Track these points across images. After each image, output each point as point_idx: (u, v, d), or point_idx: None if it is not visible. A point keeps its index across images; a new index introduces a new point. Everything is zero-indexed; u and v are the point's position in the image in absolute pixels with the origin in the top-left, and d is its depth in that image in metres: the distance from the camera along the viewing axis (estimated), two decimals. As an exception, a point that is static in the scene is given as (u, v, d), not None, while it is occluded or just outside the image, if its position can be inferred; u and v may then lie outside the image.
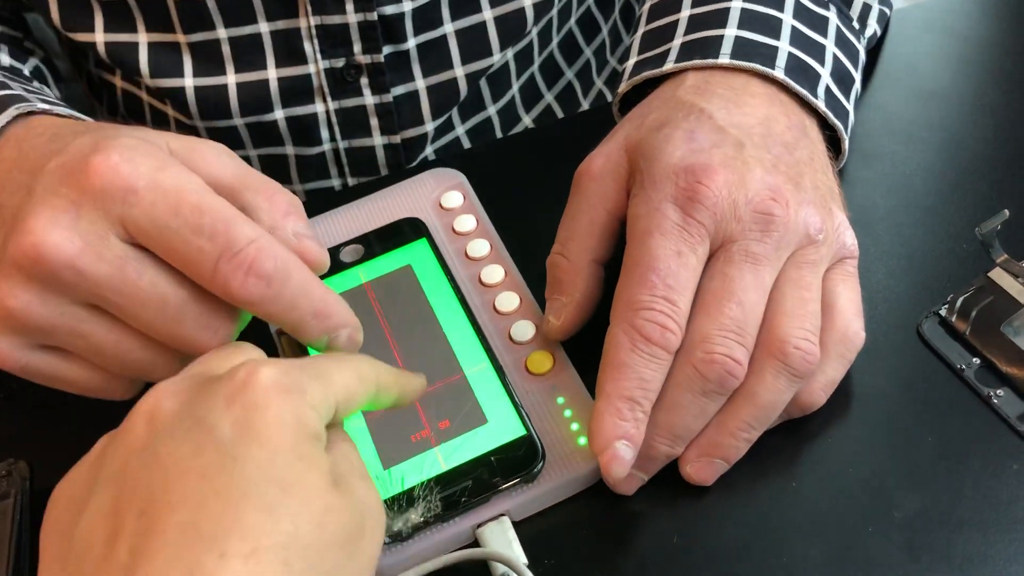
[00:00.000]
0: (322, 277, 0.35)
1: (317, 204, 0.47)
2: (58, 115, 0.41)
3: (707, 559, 0.35)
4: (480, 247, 0.44)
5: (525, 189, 0.47)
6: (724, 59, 0.40)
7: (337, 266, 0.44)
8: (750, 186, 0.36)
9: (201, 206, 0.33)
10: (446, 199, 0.46)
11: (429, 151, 0.57)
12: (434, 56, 0.54)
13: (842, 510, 0.35)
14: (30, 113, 0.40)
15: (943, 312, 0.40)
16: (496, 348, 0.40)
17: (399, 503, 0.35)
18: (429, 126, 0.56)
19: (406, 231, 0.44)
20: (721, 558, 0.35)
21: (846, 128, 0.42)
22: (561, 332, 0.39)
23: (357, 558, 0.29)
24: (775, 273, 0.36)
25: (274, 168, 0.57)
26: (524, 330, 0.40)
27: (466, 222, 0.45)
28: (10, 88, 0.43)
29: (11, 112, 0.40)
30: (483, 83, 0.56)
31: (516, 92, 0.59)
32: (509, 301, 0.41)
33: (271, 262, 0.33)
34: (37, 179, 0.34)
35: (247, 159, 0.56)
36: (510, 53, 0.56)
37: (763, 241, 0.35)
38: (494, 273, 0.42)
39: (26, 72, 0.53)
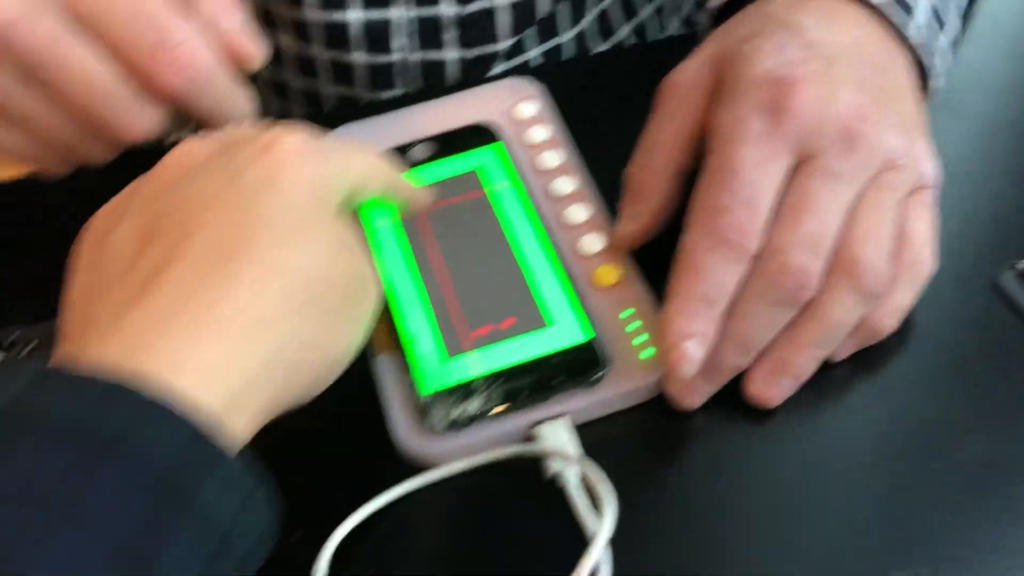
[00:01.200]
0: None
1: (388, 107, 0.47)
2: None
3: (763, 482, 0.34)
4: (552, 158, 0.43)
5: (600, 110, 0.47)
6: None
7: (407, 163, 0.43)
8: (838, 103, 0.35)
9: None
10: (520, 109, 0.45)
11: (499, 71, 0.57)
12: None
13: (906, 445, 0.35)
14: None
15: (1021, 266, 0.39)
16: (564, 257, 0.39)
17: (459, 393, 0.35)
18: (502, 44, 0.55)
19: (479, 135, 0.44)
20: (779, 481, 0.34)
21: (934, 65, 0.41)
22: (633, 240, 0.38)
23: (351, 318, 0.33)
24: (854, 192, 0.35)
25: (342, 74, 0.56)
26: (593, 243, 0.40)
27: (539, 132, 0.44)
28: None
29: None
30: (561, 6, 0.55)
31: (594, 18, 0.58)
32: (580, 213, 0.41)
33: (200, 61, 0.36)
34: None
35: (314, 59, 0.55)
36: None
37: (846, 159, 0.35)
38: (566, 185, 0.42)
39: None
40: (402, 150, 0.44)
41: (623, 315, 0.37)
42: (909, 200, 0.37)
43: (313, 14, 0.53)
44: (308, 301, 0.30)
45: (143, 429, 0.26)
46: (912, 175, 0.36)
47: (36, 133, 0.38)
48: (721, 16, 0.43)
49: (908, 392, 0.36)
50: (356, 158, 0.35)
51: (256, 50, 0.38)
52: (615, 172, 0.40)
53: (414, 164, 0.43)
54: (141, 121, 0.37)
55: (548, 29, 0.56)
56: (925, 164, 0.37)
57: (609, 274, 0.39)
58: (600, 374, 0.35)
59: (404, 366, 0.36)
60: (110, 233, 0.31)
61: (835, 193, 0.35)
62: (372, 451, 0.36)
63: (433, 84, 0.56)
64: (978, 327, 0.38)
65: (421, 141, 0.44)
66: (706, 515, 0.34)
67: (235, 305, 0.29)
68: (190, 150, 0.33)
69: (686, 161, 0.38)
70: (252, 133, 0.33)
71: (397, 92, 0.56)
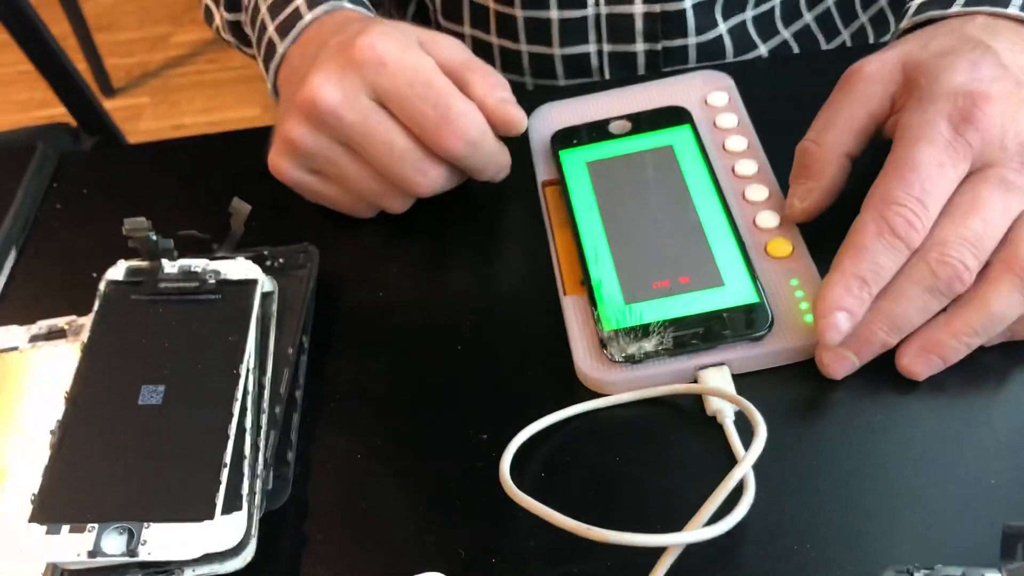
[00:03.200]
0: (591, 144, 0.48)
1: (584, 89, 0.52)
2: (353, 10, 0.52)
3: (904, 441, 0.38)
4: (738, 142, 0.47)
5: (788, 108, 0.50)
6: (1013, 9, 0.42)
7: (605, 135, 0.48)
8: (1021, 122, 0.38)
9: (430, 81, 0.45)
10: (712, 97, 0.50)
11: (691, 30, 0.61)
12: None
13: (1046, 429, 0.37)
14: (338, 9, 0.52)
15: None
16: (741, 229, 0.44)
17: (636, 332, 0.40)
18: (692, 39, 0.59)
19: (673, 116, 0.49)
20: (920, 443, 0.37)
21: None
22: (804, 215, 0.42)
23: None
24: (1023, 206, 0.38)
25: (543, 65, 0.62)
26: (769, 219, 0.44)
27: (728, 119, 0.49)
28: None
29: (324, 8, 0.52)
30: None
31: (778, 3, 0.62)
32: (759, 192, 0.45)
33: (475, 130, 0.45)
34: (320, 52, 0.47)
35: (514, 18, 0.62)
36: None
37: (1021, 172, 0.38)
38: (748, 167, 0.46)
39: None
40: (602, 124, 0.49)
41: (791, 283, 0.41)
42: None
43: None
44: None
45: None
46: None
47: (350, 188, 0.48)
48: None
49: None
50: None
51: (518, 119, 0.46)
52: (792, 160, 0.44)
53: (613, 136, 0.48)
54: (428, 178, 0.46)
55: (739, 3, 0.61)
56: None
57: (782, 246, 0.43)
58: (764, 332, 0.40)
59: (591, 305, 0.42)
60: None
61: (1006, 201, 0.38)
62: (557, 376, 0.42)
63: (622, 38, 0.61)
64: None
65: (620, 118, 0.49)
66: (841, 465, 0.37)
67: None
68: None
69: (857, 145, 0.42)
70: None
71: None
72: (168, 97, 2.04)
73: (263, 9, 0.56)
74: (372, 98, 0.45)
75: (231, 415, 0.39)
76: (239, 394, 0.40)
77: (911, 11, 0.46)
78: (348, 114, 0.45)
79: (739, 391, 0.39)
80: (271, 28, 0.54)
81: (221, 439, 0.38)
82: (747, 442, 0.36)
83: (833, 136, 0.42)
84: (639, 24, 0.59)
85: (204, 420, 0.39)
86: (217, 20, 0.66)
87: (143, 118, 2.01)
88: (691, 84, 0.51)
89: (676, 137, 0.48)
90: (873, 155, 0.42)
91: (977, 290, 0.37)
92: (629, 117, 0.49)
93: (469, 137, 0.45)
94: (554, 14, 0.60)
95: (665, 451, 0.39)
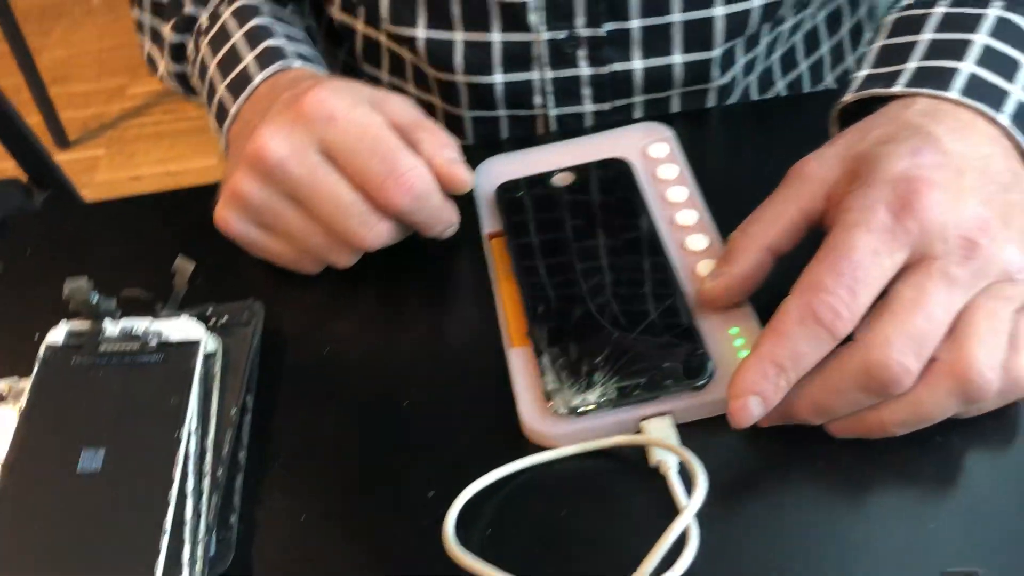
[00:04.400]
0: (535, 196, 0.48)
1: (528, 143, 0.53)
2: (303, 67, 0.53)
3: (846, 490, 0.38)
4: (679, 193, 0.48)
5: (729, 157, 0.52)
6: (954, 94, 0.41)
7: (548, 188, 0.49)
8: (962, 212, 0.37)
9: (379, 136, 0.45)
10: (653, 149, 0.51)
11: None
12: (656, 39, 0.56)
13: (982, 469, 0.38)
14: (287, 68, 0.53)
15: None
16: (682, 278, 0.44)
17: (580, 384, 0.40)
18: (638, 98, 0.60)
19: (612, 167, 0.49)
20: (861, 491, 0.38)
21: None
22: (709, 294, 0.42)
23: None
24: (965, 300, 0.36)
25: (487, 128, 0.62)
26: (710, 267, 0.44)
27: (669, 170, 0.49)
28: (274, 35, 0.55)
29: (274, 68, 0.53)
30: (709, 94, 0.60)
31: (734, 99, 0.62)
32: (699, 242, 0.46)
33: (421, 184, 0.45)
34: (272, 106, 0.48)
35: (462, 119, 0.62)
36: (739, 64, 0.59)
37: (963, 266, 0.36)
38: (688, 216, 0.47)
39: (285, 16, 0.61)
40: (545, 177, 0.50)
41: (731, 332, 0.42)
42: (1021, 314, 0.37)
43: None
44: None
45: None
46: None
47: (296, 242, 0.48)
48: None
49: (1004, 432, 0.39)
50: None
51: (465, 179, 0.47)
52: (732, 210, 0.44)
53: (555, 190, 0.49)
54: (374, 232, 0.46)
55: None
56: None
57: (721, 297, 0.43)
58: (705, 381, 0.40)
59: (536, 357, 0.42)
60: None
61: (949, 296, 0.36)
62: (502, 430, 0.42)
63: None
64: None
65: (563, 170, 0.50)
66: (785, 513, 0.37)
67: None
68: None
69: (780, 241, 0.40)
70: None
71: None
72: (124, 148, 2.03)
73: (212, 66, 0.56)
74: (320, 152, 0.46)
75: (171, 480, 0.39)
76: (180, 458, 0.39)
77: (854, 85, 0.45)
78: (295, 168, 0.45)
79: (684, 439, 0.39)
80: (221, 87, 0.55)
81: (161, 505, 0.38)
82: (692, 492, 0.37)
83: (757, 228, 0.41)
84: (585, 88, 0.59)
85: (144, 486, 0.39)
86: (161, 69, 0.66)
87: (99, 169, 2.00)
88: (632, 136, 0.52)
89: (617, 189, 0.48)
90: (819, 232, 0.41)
91: (914, 388, 0.36)
92: (571, 169, 0.50)
93: (416, 192, 0.45)
94: (499, 78, 0.59)
95: (611, 503, 0.39)
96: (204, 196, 0.52)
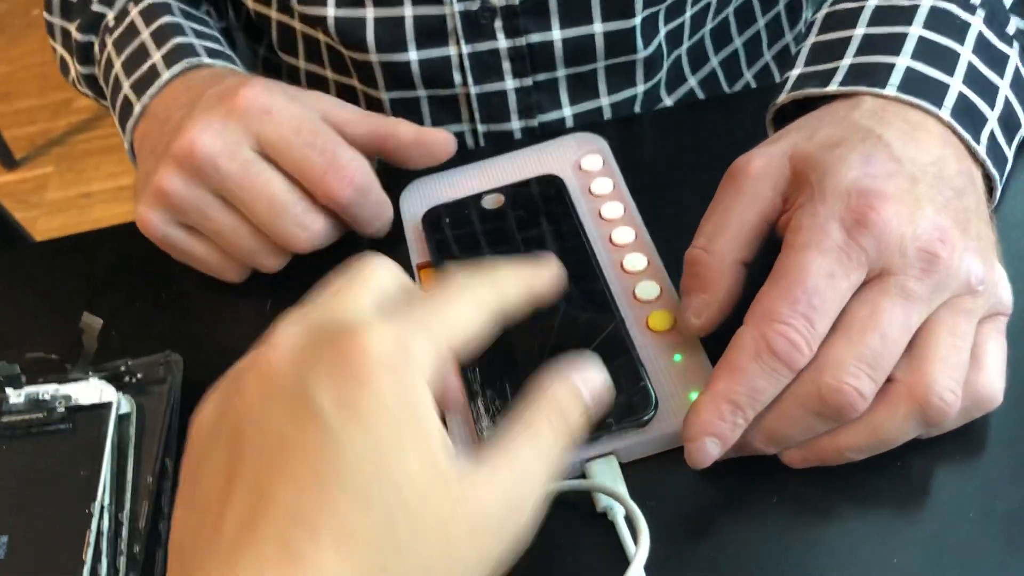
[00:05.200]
0: (464, 222, 0.46)
1: (456, 160, 0.50)
2: (214, 64, 0.51)
3: (804, 523, 0.36)
4: (614, 209, 0.46)
5: (663, 164, 0.49)
6: (891, 90, 0.39)
7: (478, 211, 0.46)
8: (919, 223, 0.35)
9: (316, 129, 0.44)
10: (586, 161, 0.48)
11: (566, 106, 0.58)
12: (574, 7, 0.53)
13: (945, 494, 0.36)
14: (199, 65, 0.51)
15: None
16: (620, 302, 0.42)
17: (515, 429, 0.38)
18: (561, 71, 0.56)
19: (545, 185, 0.47)
20: (820, 524, 0.36)
21: (1002, 176, 0.41)
22: (702, 331, 0.38)
23: (466, 561, 0.27)
24: (924, 316, 0.34)
25: (408, 110, 0.59)
26: (649, 289, 0.42)
27: (603, 184, 0.47)
28: (184, 34, 0.52)
29: (183, 64, 0.50)
30: (636, 67, 0.58)
31: (663, 74, 0.60)
32: (638, 261, 0.43)
33: (362, 176, 0.44)
34: (198, 102, 0.45)
35: (382, 102, 0.59)
36: (662, 35, 0.57)
37: (922, 280, 0.34)
38: (625, 235, 0.44)
39: (199, 15, 0.58)
40: (475, 200, 0.47)
41: (675, 359, 0.40)
42: (982, 327, 0.36)
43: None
44: (401, 563, 0.26)
45: None
46: (988, 301, 0.36)
47: (224, 244, 0.46)
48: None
49: (951, 446, 0.37)
50: (450, 317, 0.30)
51: (447, 136, 0.47)
52: (670, 222, 0.42)
53: (486, 212, 0.46)
54: (309, 232, 0.45)
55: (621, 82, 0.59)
56: (1002, 290, 0.36)
57: (663, 319, 0.41)
58: (649, 416, 0.38)
59: (468, 398, 0.39)
60: (201, 466, 0.28)
61: (905, 313, 0.34)
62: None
63: (495, 118, 0.58)
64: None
65: (493, 191, 0.47)
66: (738, 551, 0.35)
67: None
68: (268, 362, 0.28)
69: (751, 251, 0.38)
70: (342, 311, 0.29)
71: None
72: (74, 165, 1.98)
73: (116, 64, 0.54)
74: (254, 149, 0.44)
75: (82, 562, 0.36)
76: (92, 537, 0.37)
77: (788, 85, 0.43)
78: (227, 164, 0.44)
79: (631, 475, 0.37)
80: (126, 85, 0.52)
81: (70, 594, 0.35)
82: (637, 543, 0.34)
83: (724, 243, 0.38)
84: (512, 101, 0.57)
85: (53, 571, 0.36)
86: (73, 73, 0.63)
87: (49, 188, 1.95)
88: (564, 148, 0.49)
89: (551, 209, 0.46)
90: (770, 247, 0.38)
91: (871, 411, 0.34)
92: (502, 190, 0.47)
93: (356, 184, 0.44)
94: (413, 55, 0.56)
95: (558, 551, 0.37)
96: (112, 238, 0.49)
